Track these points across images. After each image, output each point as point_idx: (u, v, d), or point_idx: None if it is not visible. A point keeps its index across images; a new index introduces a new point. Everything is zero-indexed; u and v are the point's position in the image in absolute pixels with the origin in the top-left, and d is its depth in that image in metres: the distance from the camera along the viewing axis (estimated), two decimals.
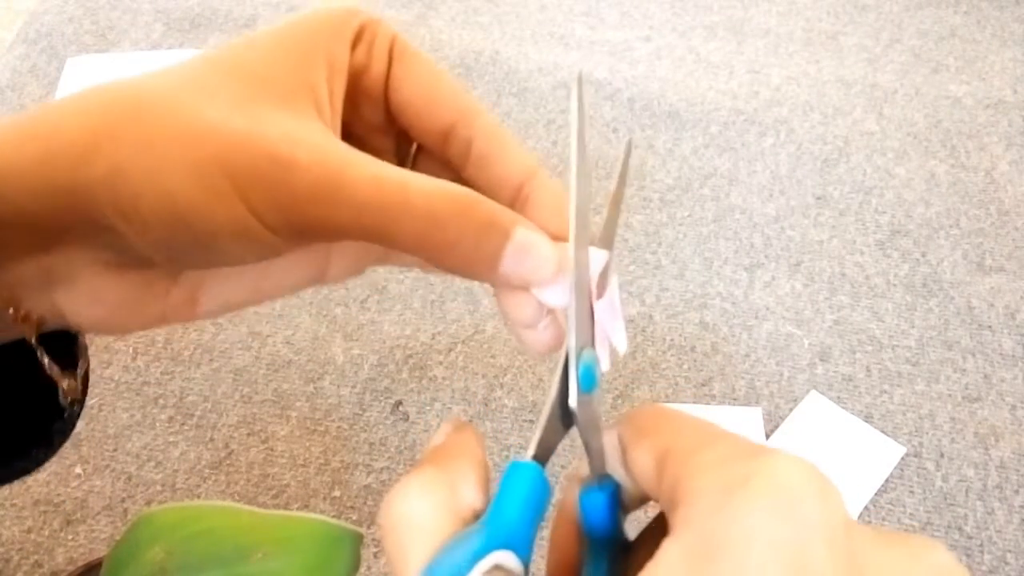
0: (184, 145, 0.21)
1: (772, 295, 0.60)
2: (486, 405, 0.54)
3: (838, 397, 0.55)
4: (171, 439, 0.53)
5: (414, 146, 0.27)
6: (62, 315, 0.23)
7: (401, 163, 0.27)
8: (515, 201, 0.25)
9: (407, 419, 0.54)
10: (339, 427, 0.53)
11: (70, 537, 0.49)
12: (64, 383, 0.25)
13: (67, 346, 0.26)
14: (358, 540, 0.31)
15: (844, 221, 0.65)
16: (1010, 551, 0.49)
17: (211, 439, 0.53)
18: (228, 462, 0.52)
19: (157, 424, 0.53)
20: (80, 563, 0.47)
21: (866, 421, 0.54)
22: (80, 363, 0.26)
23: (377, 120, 0.26)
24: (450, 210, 0.22)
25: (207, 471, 0.51)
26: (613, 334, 0.24)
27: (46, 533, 0.49)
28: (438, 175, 0.24)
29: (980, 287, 0.61)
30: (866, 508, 0.51)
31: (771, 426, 0.54)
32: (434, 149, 0.26)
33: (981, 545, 0.50)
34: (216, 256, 0.22)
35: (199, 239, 0.21)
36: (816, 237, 0.64)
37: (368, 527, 0.49)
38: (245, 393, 0.55)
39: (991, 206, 0.66)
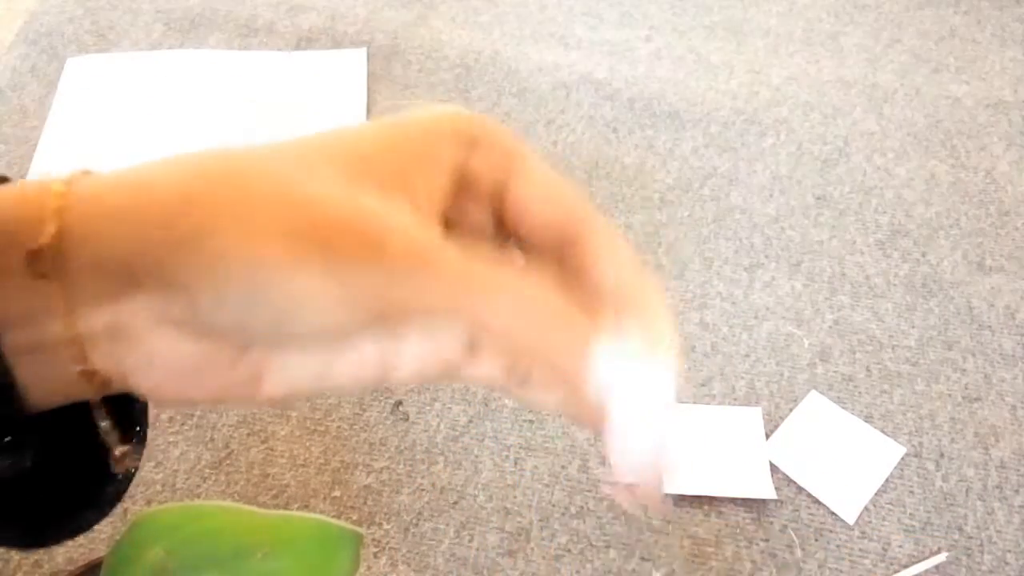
0: (277, 211, 0.20)
1: (772, 295, 0.60)
2: (486, 405, 0.54)
3: (838, 397, 0.55)
4: (171, 439, 0.53)
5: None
6: (124, 376, 0.22)
7: None
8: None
9: (407, 419, 0.54)
10: (339, 427, 0.53)
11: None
12: (118, 450, 0.25)
13: (126, 409, 0.25)
14: (358, 540, 0.31)
15: (844, 221, 0.65)
16: (1010, 551, 0.49)
17: (211, 439, 0.53)
18: (228, 462, 0.52)
19: (157, 424, 0.53)
20: (80, 563, 0.47)
21: (866, 421, 0.54)
22: (139, 429, 0.26)
23: (482, 224, 0.25)
24: (543, 310, 0.22)
25: (207, 471, 0.51)
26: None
27: None
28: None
29: (980, 287, 0.61)
30: (866, 508, 0.51)
31: (771, 426, 0.54)
32: (544, 255, 0.25)
33: (981, 545, 0.50)
34: (285, 326, 0.22)
35: (275, 307, 0.21)
36: (816, 237, 0.64)
37: (368, 527, 0.49)
38: None
39: (991, 206, 0.66)
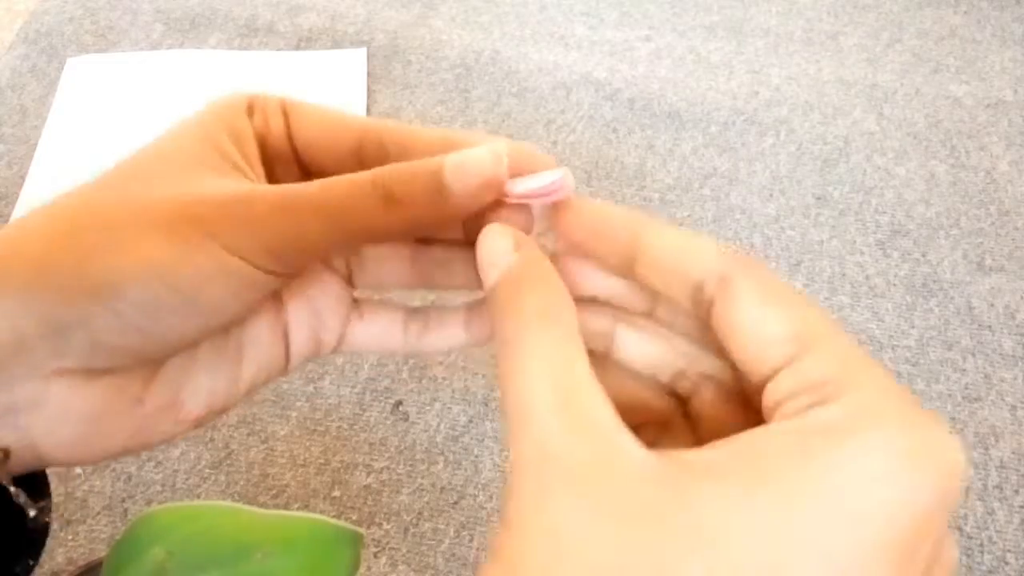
0: (147, 214, 0.21)
1: None
2: (486, 405, 0.54)
3: None
4: None
5: None
6: (31, 441, 0.22)
7: None
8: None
9: (407, 419, 0.54)
10: (339, 427, 0.53)
11: (70, 537, 0.49)
12: (31, 510, 0.25)
13: (31, 475, 0.25)
14: (358, 540, 0.31)
15: (844, 221, 0.65)
16: (1010, 551, 0.49)
17: (211, 439, 0.53)
18: (228, 462, 0.52)
19: None
20: (80, 563, 0.47)
21: None
22: (47, 491, 0.26)
23: (289, 165, 0.27)
24: (387, 178, 0.23)
25: (207, 471, 0.51)
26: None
27: None
28: None
29: (980, 287, 0.61)
30: None
31: None
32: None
33: (981, 545, 0.50)
34: (199, 313, 0.22)
35: (183, 295, 0.22)
36: (816, 237, 0.64)
37: (368, 527, 0.49)
38: None
39: (991, 206, 0.66)
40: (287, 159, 0.26)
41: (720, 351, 0.23)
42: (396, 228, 0.23)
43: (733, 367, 0.23)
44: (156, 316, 0.21)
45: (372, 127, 0.26)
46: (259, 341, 0.26)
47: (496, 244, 0.23)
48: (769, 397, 0.19)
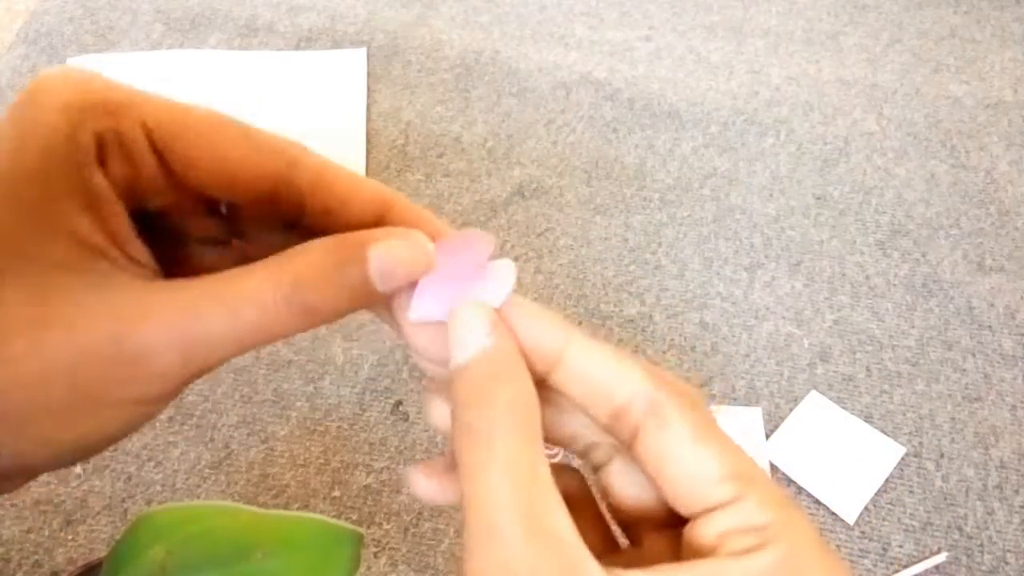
0: (27, 394, 0.19)
1: (772, 295, 0.60)
2: None
3: (838, 397, 0.55)
4: (171, 439, 0.53)
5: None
6: None
7: (234, 234, 0.25)
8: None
9: (407, 419, 0.54)
10: (339, 427, 0.53)
11: (70, 537, 0.49)
12: None
13: None
14: (358, 540, 0.31)
15: (844, 221, 0.65)
16: (1010, 551, 0.49)
17: (211, 439, 0.53)
18: (228, 462, 0.52)
19: (157, 424, 0.53)
20: (80, 563, 0.47)
21: (866, 421, 0.54)
22: None
23: (180, 200, 0.23)
24: (302, 280, 0.20)
25: (207, 471, 0.51)
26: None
27: (46, 533, 0.49)
28: (270, 238, 0.23)
29: (980, 287, 0.61)
30: (866, 508, 0.51)
31: (771, 426, 0.54)
32: (262, 209, 0.23)
33: (981, 545, 0.50)
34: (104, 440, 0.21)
35: (89, 449, 0.20)
36: (816, 237, 0.64)
37: (368, 527, 0.49)
38: (245, 393, 0.55)
39: (991, 206, 0.66)
40: (167, 191, 0.22)
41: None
42: (315, 326, 0.21)
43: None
44: (66, 463, 0.21)
45: (289, 173, 0.22)
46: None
47: (472, 323, 0.22)
48: (705, 531, 0.20)
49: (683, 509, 0.21)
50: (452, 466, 0.22)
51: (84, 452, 0.20)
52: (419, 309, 0.23)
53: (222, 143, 0.22)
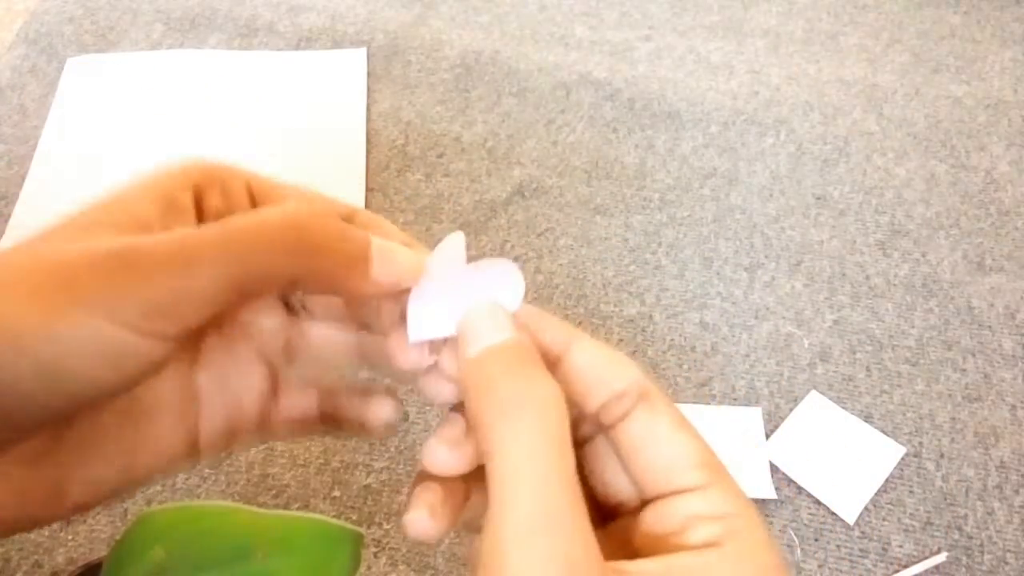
0: (23, 277, 0.19)
1: (772, 295, 0.60)
2: None
3: (838, 397, 0.55)
4: None
5: None
6: None
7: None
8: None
9: (407, 419, 0.54)
10: None
11: (70, 537, 0.49)
12: None
13: None
14: (358, 540, 0.31)
15: (844, 221, 0.65)
16: (1010, 551, 0.49)
17: None
18: (228, 462, 0.52)
19: None
20: (80, 563, 0.47)
21: (866, 421, 0.54)
22: None
23: None
24: (312, 222, 0.21)
25: (207, 471, 0.51)
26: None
27: (46, 533, 0.49)
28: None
29: (980, 287, 0.61)
30: (866, 508, 0.51)
31: (771, 426, 0.54)
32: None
33: (981, 545, 0.50)
34: (63, 386, 0.20)
35: (39, 366, 0.19)
36: (816, 237, 0.64)
37: (368, 527, 0.49)
38: None
39: (991, 206, 0.66)
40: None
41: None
42: (305, 280, 0.21)
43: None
44: (14, 390, 0.19)
45: (350, 219, 0.24)
46: (160, 428, 0.24)
47: (493, 320, 0.23)
48: (672, 510, 0.22)
49: (651, 489, 0.23)
50: (463, 435, 0.23)
51: (82, 398, 0.20)
52: (417, 329, 0.24)
53: (301, 196, 0.25)
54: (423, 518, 0.23)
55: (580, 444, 0.25)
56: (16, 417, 0.20)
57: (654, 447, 0.23)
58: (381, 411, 0.26)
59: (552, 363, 0.24)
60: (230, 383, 0.25)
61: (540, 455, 0.20)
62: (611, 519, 0.25)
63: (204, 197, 0.23)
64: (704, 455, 0.23)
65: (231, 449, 0.26)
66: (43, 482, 0.22)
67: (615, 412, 0.23)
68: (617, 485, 0.24)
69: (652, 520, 0.23)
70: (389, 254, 0.23)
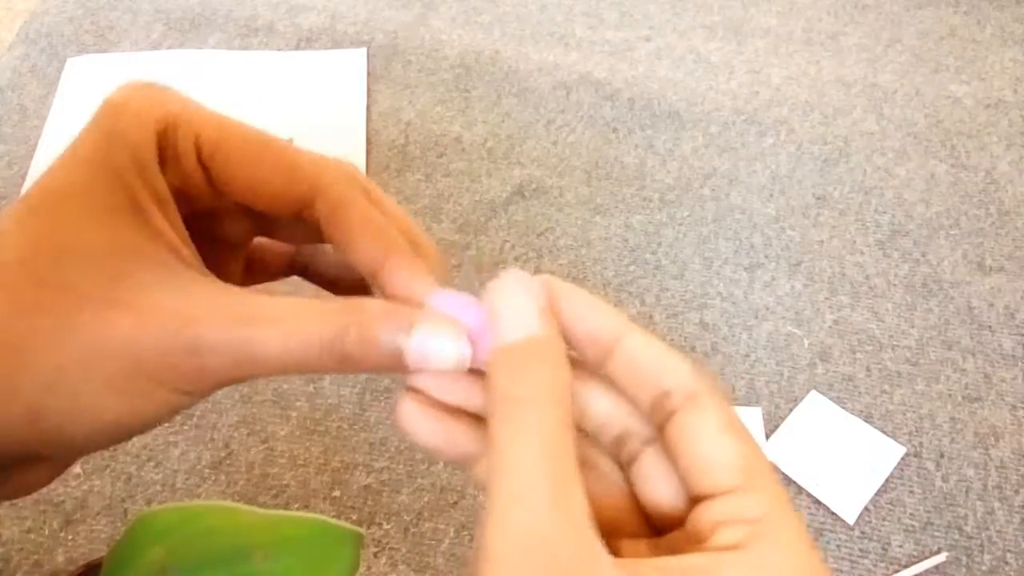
0: (95, 364, 0.21)
1: (772, 295, 0.60)
2: None
3: (838, 397, 0.55)
4: (171, 439, 0.53)
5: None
6: None
7: (259, 230, 0.28)
8: (375, 279, 0.25)
9: None
10: (339, 427, 0.53)
11: (70, 537, 0.49)
12: None
13: None
14: (358, 540, 0.31)
15: (844, 221, 0.65)
16: (1010, 551, 0.49)
17: (211, 439, 0.53)
18: (228, 462, 0.52)
19: None
20: (80, 563, 0.47)
21: (866, 421, 0.54)
22: None
23: (218, 207, 0.25)
24: (356, 345, 0.22)
25: (207, 471, 0.51)
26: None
27: (46, 533, 0.49)
28: (298, 234, 0.27)
29: (980, 287, 0.61)
30: (866, 508, 0.51)
31: (771, 426, 0.54)
32: (289, 217, 0.26)
33: (981, 545, 0.50)
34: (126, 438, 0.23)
35: (125, 437, 0.22)
36: (816, 237, 0.64)
37: (368, 527, 0.49)
38: (245, 393, 0.55)
39: (991, 206, 0.66)
40: (205, 198, 0.25)
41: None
42: (341, 372, 0.24)
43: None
44: (100, 446, 0.22)
45: (311, 190, 0.24)
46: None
47: (524, 306, 0.23)
48: (706, 514, 0.22)
49: (693, 490, 0.23)
50: (454, 412, 0.24)
51: (119, 432, 0.22)
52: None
53: (258, 163, 0.24)
54: (414, 413, 0.24)
55: (629, 461, 0.25)
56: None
57: (697, 447, 0.23)
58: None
59: (602, 353, 0.24)
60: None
61: (525, 439, 0.20)
62: (669, 530, 0.24)
63: (165, 171, 0.23)
64: (745, 458, 0.22)
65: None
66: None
67: (664, 410, 0.23)
68: (668, 494, 0.24)
69: (691, 522, 0.23)
70: (424, 361, 0.23)
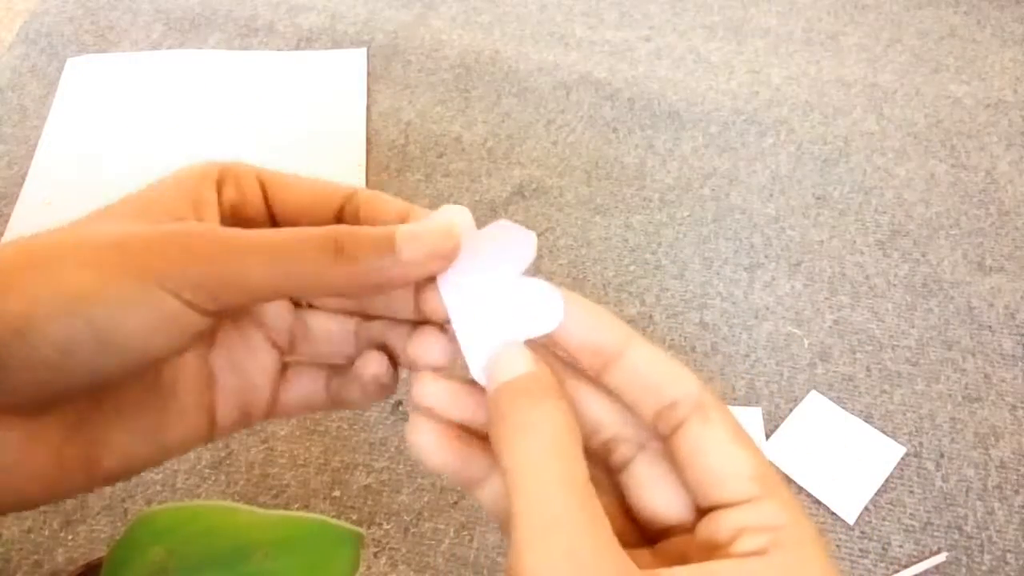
0: (77, 249, 0.21)
1: (772, 295, 0.60)
2: None
3: (838, 397, 0.55)
4: None
5: None
6: None
7: None
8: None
9: (407, 419, 0.54)
10: (339, 427, 0.53)
11: (70, 537, 0.49)
12: None
13: None
14: (358, 540, 0.31)
15: (844, 221, 0.65)
16: (1010, 551, 0.49)
17: None
18: (228, 462, 0.52)
19: None
20: (80, 563, 0.47)
21: (866, 421, 0.54)
22: None
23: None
24: (343, 234, 0.23)
25: (207, 471, 0.51)
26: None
27: (46, 533, 0.49)
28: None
29: (980, 287, 0.61)
30: (866, 508, 0.51)
31: (771, 426, 0.54)
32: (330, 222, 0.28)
33: (981, 545, 0.50)
34: (116, 348, 0.21)
35: (97, 328, 0.21)
36: (816, 237, 0.64)
37: (368, 527, 0.49)
38: None
39: (991, 206, 0.66)
40: (261, 222, 0.27)
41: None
42: (341, 282, 0.23)
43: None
44: (69, 349, 0.21)
45: (350, 198, 0.26)
46: (184, 405, 0.26)
47: (514, 359, 0.24)
48: (723, 522, 0.22)
49: (705, 500, 0.23)
50: (464, 438, 0.25)
51: (105, 332, 0.21)
52: (476, 358, 0.25)
53: (307, 182, 0.27)
54: (430, 441, 0.25)
55: (619, 467, 0.25)
56: (66, 378, 0.21)
57: (707, 458, 0.23)
58: (370, 366, 0.27)
59: (603, 363, 0.24)
60: (243, 365, 0.27)
61: (545, 466, 0.21)
62: (664, 537, 0.25)
63: (222, 191, 0.26)
64: (758, 467, 0.23)
65: (247, 424, 0.28)
66: (80, 447, 0.23)
67: (670, 421, 0.24)
68: (667, 501, 0.24)
69: (705, 531, 0.23)
70: (416, 236, 0.24)
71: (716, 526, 0.22)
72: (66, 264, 0.21)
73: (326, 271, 0.23)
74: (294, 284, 0.23)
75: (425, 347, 0.26)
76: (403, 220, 0.26)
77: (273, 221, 0.27)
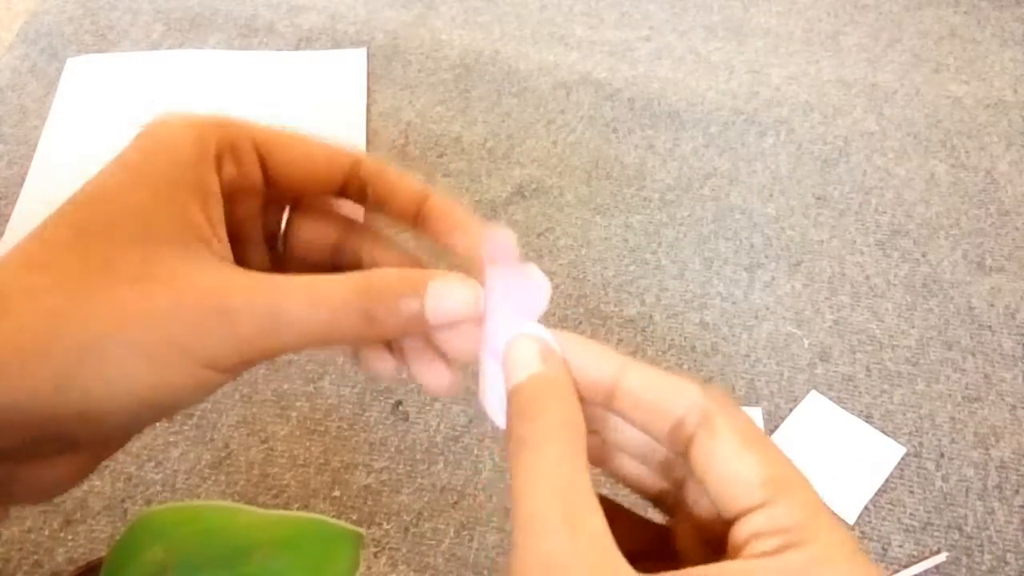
0: (124, 331, 0.21)
1: (772, 295, 0.60)
2: None
3: (838, 397, 0.55)
4: (171, 439, 0.53)
5: (286, 211, 0.29)
6: None
7: (274, 225, 0.29)
8: (416, 222, 0.28)
9: (407, 419, 0.54)
10: (339, 427, 0.53)
11: (70, 537, 0.49)
12: None
13: None
14: (358, 540, 0.31)
15: (844, 221, 0.65)
16: (1010, 551, 0.49)
17: (211, 439, 0.53)
18: (228, 462, 0.52)
19: (157, 424, 0.53)
20: (80, 563, 0.47)
21: (866, 421, 0.54)
22: None
23: (254, 209, 0.27)
24: (377, 310, 0.24)
25: (207, 471, 0.51)
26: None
27: (46, 533, 0.49)
28: (319, 227, 0.28)
29: (980, 287, 0.61)
30: (866, 508, 0.51)
31: (771, 426, 0.54)
32: (327, 202, 0.29)
33: (981, 545, 0.50)
34: (163, 416, 0.23)
35: (159, 413, 0.23)
36: (816, 237, 0.64)
37: (368, 527, 0.49)
38: (245, 393, 0.55)
39: (991, 206, 0.66)
40: (257, 193, 0.27)
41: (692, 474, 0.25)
42: (369, 340, 0.24)
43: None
44: (127, 429, 0.23)
45: (354, 168, 0.27)
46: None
47: (526, 348, 0.24)
48: (740, 531, 0.22)
49: (725, 512, 0.23)
50: None
51: (147, 408, 0.22)
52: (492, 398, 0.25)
53: (308, 149, 0.27)
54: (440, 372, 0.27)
55: (679, 485, 0.26)
56: (112, 445, 0.24)
57: (719, 470, 0.23)
58: (374, 363, 0.28)
59: (604, 394, 0.24)
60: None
61: (535, 475, 0.22)
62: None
63: (221, 169, 0.25)
64: (769, 471, 0.22)
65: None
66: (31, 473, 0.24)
67: (681, 439, 0.23)
68: (714, 515, 0.24)
69: (729, 541, 0.23)
70: (441, 306, 0.24)
71: (733, 534, 0.22)
72: (123, 357, 0.21)
73: (356, 334, 0.24)
74: (323, 345, 0.24)
75: (431, 376, 0.27)
76: (420, 205, 0.27)
77: (270, 187, 0.27)
